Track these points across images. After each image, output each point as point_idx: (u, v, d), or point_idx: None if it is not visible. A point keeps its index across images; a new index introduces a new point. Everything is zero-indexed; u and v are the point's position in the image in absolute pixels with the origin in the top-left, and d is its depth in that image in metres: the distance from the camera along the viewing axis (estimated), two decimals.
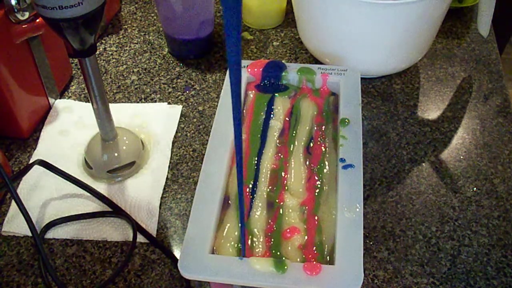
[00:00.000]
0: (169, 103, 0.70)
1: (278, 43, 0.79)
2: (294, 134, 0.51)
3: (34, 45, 0.62)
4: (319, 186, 0.46)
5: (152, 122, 0.67)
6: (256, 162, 0.49)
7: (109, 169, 0.60)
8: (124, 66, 0.76)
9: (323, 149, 0.50)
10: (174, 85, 0.72)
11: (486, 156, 0.63)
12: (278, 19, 0.82)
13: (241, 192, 0.36)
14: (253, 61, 0.57)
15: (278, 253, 0.42)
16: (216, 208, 0.44)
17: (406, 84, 0.73)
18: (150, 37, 0.81)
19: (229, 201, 0.46)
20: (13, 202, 0.57)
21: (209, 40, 0.77)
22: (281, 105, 0.54)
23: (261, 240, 0.43)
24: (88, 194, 0.58)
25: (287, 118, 0.53)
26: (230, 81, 0.29)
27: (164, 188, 0.60)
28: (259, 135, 0.51)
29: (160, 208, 0.58)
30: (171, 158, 0.63)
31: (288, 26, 0.82)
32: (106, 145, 0.60)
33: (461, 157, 0.63)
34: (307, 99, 0.55)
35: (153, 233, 0.55)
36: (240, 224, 0.42)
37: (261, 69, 0.56)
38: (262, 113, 0.53)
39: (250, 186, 0.47)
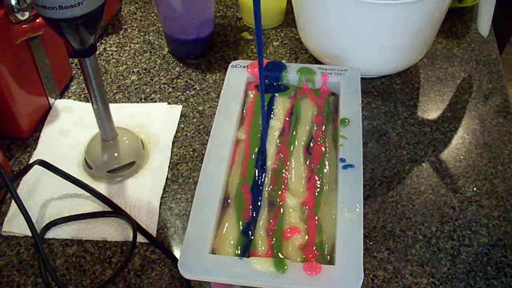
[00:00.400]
0: (169, 103, 0.70)
1: (278, 43, 0.79)
2: (294, 134, 0.51)
3: (34, 45, 0.62)
4: (319, 186, 0.47)
5: (152, 122, 0.67)
6: (256, 161, 0.49)
7: (109, 169, 0.60)
8: (124, 66, 0.76)
9: (323, 149, 0.50)
10: (174, 85, 0.72)
11: (486, 156, 0.63)
12: (278, 19, 0.82)
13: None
14: (253, 61, 0.57)
15: (280, 253, 0.42)
16: (216, 208, 0.44)
17: (406, 84, 0.73)
18: (150, 37, 0.81)
19: (229, 200, 0.46)
20: (13, 202, 0.58)
21: (209, 40, 0.77)
22: (281, 105, 0.54)
23: (262, 239, 0.43)
24: (88, 194, 0.58)
25: (287, 118, 0.53)
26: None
27: (164, 188, 0.60)
28: (259, 135, 0.51)
29: (160, 208, 0.58)
30: (171, 158, 0.63)
31: (288, 26, 0.82)
32: (106, 145, 0.60)
33: (461, 157, 0.63)
34: (307, 99, 0.55)
35: (153, 233, 0.55)
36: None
37: None
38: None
39: (251, 185, 0.47)
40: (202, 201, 0.44)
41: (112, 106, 0.58)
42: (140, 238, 0.55)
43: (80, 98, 0.71)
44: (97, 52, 0.77)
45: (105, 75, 0.74)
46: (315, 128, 0.52)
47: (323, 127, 0.52)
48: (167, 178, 0.61)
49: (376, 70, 0.70)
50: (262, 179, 0.47)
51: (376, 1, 0.59)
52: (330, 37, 0.67)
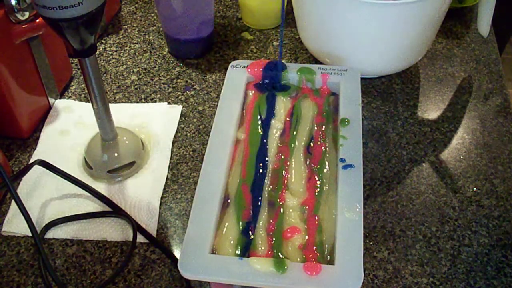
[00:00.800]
0: (169, 103, 0.70)
1: (278, 43, 0.79)
2: (294, 134, 0.51)
3: (34, 45, 0.62)
4: (319, 186, 0.47)
5: (152, 122, 0.67)
6: (256, 161, 0.49)
7: (109, 169, 0.60)
8: (124, 66, 0.76)
9: (323, 149, 0.50)
10: (174, 85, 0.72)
11: (486, 156, 0.63)
12: (278, 19, 0.82)
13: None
14: (253, 61, 0.57)
15: (280, 253, 0.42)
16: (216, 208, 0.44)
17: (406, 84, 0.73)
18: (150, 37, 0.81)
19: (229, 200, 0.46)
20: (13, 202, 0.58)
21: (209, 40, 0.77)
22: (281, 105, 0.54)
23: (262, 239, 0.43)
24: (88, 194, 0.58)
25: (287, 118, 0.53)
26: None
27: (164, 188, 0.60)
28: (259, 135, 0.51)
29: (160, 208, 0.58)
30: (171, 158, 0.63)
31: (288, 26, 0.82)
32: (106, 145, 0.60)
33: (461, 157, 0.63)
34: (308, 99, 0.55)
35: (153, 233, 0.55)
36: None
37: (261, 69, 0.56)
38: (262, 113, 0.53)
39: (251, 185, 0.47)
40: (202, 201, 0.44)
41: (112, 106, 0.58)
42: (140, 238, 0.55)
43: (80, 98, 0.71)
44: (97, 52, 0.77)
45: (105, 75, 0.74)
46: (315, 128, 0.52)
47: (323, 127, 0.52)
48: (167, 178, 0.61)
49: (376, 70, 0.70)
50: (262, 179, 0.47)
51: (376, 1, 0.59)
52: (330, 37, 0.67)
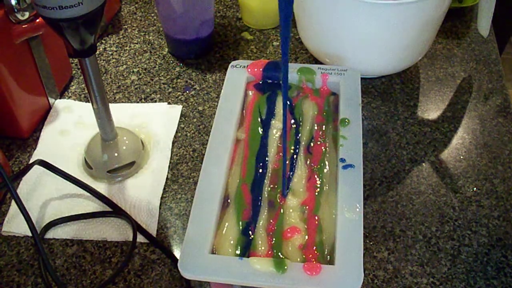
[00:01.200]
0: (169, 103, 0.70)
1: (278, 43, 0.79)
2: (294, 134, 0.51)
3: (34, 45, 0.62)
4: (319, 186, 0.46)
5: (152, 122, 0.67)
6: (256, 161, 0.49)
7: (109, 169, 0.60)
8: (124, 66, 0.76)
9: (324, 149, 0.50)
10: (174, 85, 0.72)
11: (486, 156, 0.63)
12: (278, 19, 0.82)
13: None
14: (253, 61, 0.57)
15: (280, 253, 0.42)
16: (216, 208, 0.44)
17: (406, 84, 0.73)
18: (150, 37, 0.81)
19: (229, 200, 0.46)
20: (13, 202, 0.58)
21: (209, 40, 0.77)
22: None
23: (262, 239, 0.43)
24: (88, 194, 0.58)
25: (288, 118, 0.53)
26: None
27: (164, 188, 0.60)
28: (259, 135, 0.51)
29: (160, 208, 0.58)
30: (171, 158, 0.63)
31: None
32: (106, 145, 0.60)
33: (461, 157, 0.63)
34: (308, 99, 0.55)
35: (153, 233, 0.55)
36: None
37: (261, 69, 0.56)
38: (262, 113, 0.53)
39: (251, 185, 0.47)
40: (202, 201, 0.44)
41: (112, 106, 0.58)
42: (140, 238, 0.55)
43: (80, 98, 0.71)
44: (97, 52, 0.77)
45: (105, 75, 0.74)
46: (316, 128, 0.52)
47: (323, 126, 0.52)
48: (167, 178, 0.61)
49: (376, 70, 0.70)
50: (262, 179, 0.47)
51: (376, 1, 0.59)
52: (330, 37, 0.67)
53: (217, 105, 0.53)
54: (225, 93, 0.54)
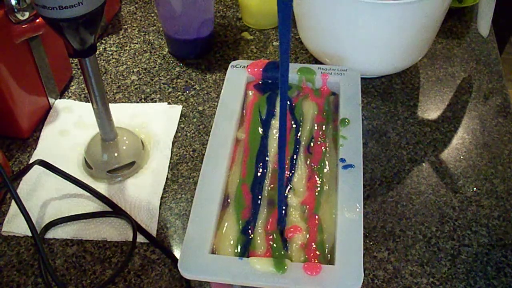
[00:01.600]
0: (169, 103, 0.70)
1: (278, 43, 0.79)
2: (294, 134, 0.51)
3: (34, 45, 0.62)
4: (319, 185, 0.47)
5: (152, 122, 0.67)
6: (256, 161, 0.49)
7: (109, 169, 0.60)
8: (124, 66, 0.76)
9: (324, 149, 0.50)
10: (174, 85, 0.72)
11: (486, 156, 0.63)
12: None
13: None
14: (253, 61, 0.57)
15: (281, 253, 0.42)
16: (216, 208, 0.44)
17: (406, 84, 0.73)
18: (150, 37, 0.81)
19: (229, 200, 0.46)
20: (13, 202, 0.58)
21: (209, 40, 0.77)
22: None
23: (262, 239, 0.43)
24: (88, 194, 0.58)
25: (288, 118, 0.53)
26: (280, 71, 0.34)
27: (164, 188, 0.60)
28: (259, 135, 0.51)
29: (160, 208, 0.58)
30: (171, 158, 0.63)
31: None
32: (106, 145, 0.60)
33: (461, 157, 0.63)
34: (308, 99, 0.55)
35: (153, 233, 0.55)
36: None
37: (261, 69, 0.56)
38: (262, 113, 0.53)
39: (251, 185, 0.47)
40: (202, 201, 0.44)
41: (112, 106, 0.58)
42: (140, 238, 0.55)
43: (80, 98, 0.71)
44: (97, 52, 0.77)
45: (105, 75, 0.74)
46: (316, 127, 0.52)
47: (323, 126, 0.52)
48: (167, 178, 0.61)
49: (376, 70, 0.70)
50: (262, 179, 0.47)
51: (376, 1, 0.59)
52: (330, 37, 0.67)
53: (217, 105, 0.53)
54: (225, 93, 0.54)
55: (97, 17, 0.46)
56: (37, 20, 0.59)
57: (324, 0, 0.63)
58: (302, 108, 0.54)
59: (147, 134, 0.65)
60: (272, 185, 0.47)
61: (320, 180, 0.47)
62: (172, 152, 0.64)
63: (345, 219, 0.43)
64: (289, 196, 0.46)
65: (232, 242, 0.43)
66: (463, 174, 0.61)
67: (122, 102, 0.70)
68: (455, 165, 0.62)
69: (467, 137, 0.65)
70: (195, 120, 0.68)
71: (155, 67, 0.76)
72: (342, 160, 0.47)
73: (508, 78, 1.82)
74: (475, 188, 0.59)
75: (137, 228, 0.55)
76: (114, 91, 0.72)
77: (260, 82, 0.56)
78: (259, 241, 0.43)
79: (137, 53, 0.78)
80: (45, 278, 0.51)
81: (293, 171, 0.48)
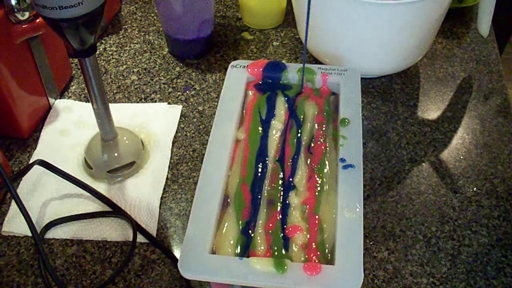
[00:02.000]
0: (169, 103, 0.70)
1: (278, 43, 0.79)
2: (295, 134, 0.51)
3: (34, 45, 0.62)
4: (319, 185, 0.47)
5: (152, 122, 0.67)
6: (256, 161, 0.49)
7: (109, 169, 0.60)
8: (124, 66, 0.76)
9: (324, 149, 0.50)
10: (174, 85, 0.73)
11: (486, 156, 0.63)
12: (278, 19, 0.82)
13: None
14: (253, 61, 0.57)
15: (281, 253, 0.42)
16: (216, 208, 0.44)
17: (406, 84, 0.73)
18: (150, 37, 0.81)
19: (229, 200, 0.46)
20: (13, 202, 0.58)
21: (209, 40, 0.77)
22: (282, 105, 0.54)
23: (262, 238, 0.43)
24: (88, 194, 0.58)
25: (287, 118, 0.53)
26: None
27: (164, 188, 0.60)
28: (259, 135, 0.51)
29: (160, 208, 0.58)
30: (171, 158, 0.63)
31: (288, 26, 0.82)
32: (106, 145, 0.60)
33: (461, 157, 0.63)
34: (308, 99, 0.55)
35: (153, 233, 0.55)
36: None
37: (261, 69, 0.56)
38: (262, 113, 0.53)
39: (250, 185, 0.47)
40: (202, 201, 0.44)
41: (112, 106, 0.58)
42: (140, 238, 0.55)
43: (80, 98, 0.71)
44: (97, 52, 0.77)
45: (105, 75, 0.74)
46: (316, 127, 0.52)
47: (324, 126, 0.52)
48: (167, 178, 0.61)
49: (376, 70, 0.70)
50: (262, 179, 0.47)
51: (376, 1, 0.59)
52: (330, 37, 0.67)
53: (217, 105, 0.53)
54: (225, 93, 0.54)
55: (97, 17, 0.46)
56: (37, 20, 0.59)
57: (324, 0, 0.63)
58: (302, 108, 0.54)
59: (147, 134, 0.65)
60: (272, 185, 0.47)
61: (320, 180, 0.47)
62: (172, 152, 0.64)
63: (345, 219, 0.43)
64: (290, 195, 0.46)
65: (232, 242, 0.43)
66: (463, 174, 0.61)
67: (122, 102, 0.70)
68: (455, 165, 0.62)
69: (467, 137, 0.65)
70: (195, 120, 0.68)
71: (155, 67, 0.76)
72: (342, 160, 0.47)
73: (508, 78, 1.82)
74: (475, 188, 0.59)
75: (137, 228, 0.55)
76: (114, 91, 0.72)
77: (260, 82, 0.56)
78: (259, 241, 0.43)
79: (137, 53, 0.78)
80: (45, 278, 0.51)
81: (293, 171, 0.48)
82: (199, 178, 0.46)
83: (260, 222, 0.44)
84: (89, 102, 0.56)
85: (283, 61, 0.58)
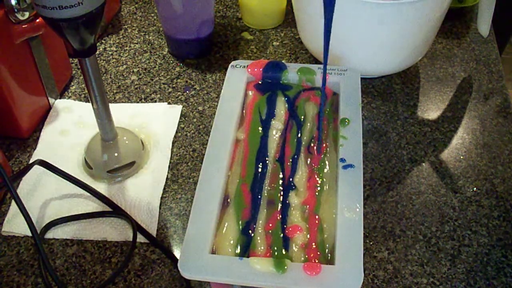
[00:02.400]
0: (169, 103, 0.70)
1: (278, 43, 0.79)
2: (295, 134, 0.51)
3: (34, 45, 0.62)
4: (319, 185, 0.47)
5: (152, 122, 0.67)
6: (256, 161, 0.49)
7: (109, 169, 0.60)
8: (124, 66, 0.76)
9: (324, 149, 0.50)
10: (174, 85, 0.73)
11: (486, 156, 0.63)
12: (278, 19, 0.82)
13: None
14: (253, 61, 0.57)
15: (281, 253, 0.42)
16: (216, 208, 0.44)
17: (406, 84, 0.73)
18: (150, 37, 0.81)
19: (229, 200, 0.46)
20: (13, 202, 0.58)
21: (209, 40, 0.77)
22: (282, 105, 0.54)
23: (262, 238, 0.43)
24: (88, 194, 0.58)
25: (287, 118, 0.53)
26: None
27: (164, 188, 0.60)
28: (259, 135, 0.51)
29: (160, 208, 0.58)
30: (171, 158, 0.63)
31: (288, 26, 0.82)
32: (106, 145, 0.60)
33: (461, 157, 0.63)
34: (308, 99, 0.55)
35: (153, 233, 0.55)
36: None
37: (261, 69, 0.56)
38: (262, 113, 0.53)
39: (250, 185, 0.47)
40: (202, 201, 0.44)
41: (112, 106, 0.58)
42: (140, 238, 0.55)
43: (80, 98, 0.71)
44: (97, 52, 0.77)
45: (105, 75, 0.74)
46: (316, 127, 0.52)
47: (324, 126, 0.52)
48: (167, 178, 0.61)
49: (376, 70, 0.70)
50: (262, 179, 0.47)
51: (376, 1, 0.59)
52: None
53: (217, 105, 0.53)
54: (225, 93, 0.54)
55: (97, 17, 0.46)
56: (37, 20, 0.59)
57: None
58: (302, 108, 0.54)
59: (147, 134, 0.65)
60: (272, 185, 0.47)
61: (320, 180, 0.47)
62: (172, 152, 0.64)
63: (345, 219, 0.43)
64: (290, 195, 0.46)
65: (232, 242, 0.43)
66: (463, 174, 0.61)
67: (122, 102, 0.70)
68: (455, 165, 0.62)
69: (467, 137, 0.65)
70: (195, 120, 0.68)
71: (155, 67, 0.76)
72: (342, 160, 0.47)
73: (508, 78, 1.82)
74: (475, 188, 0.59)
75: (137, 228, 0.55)
76: (114, 91, 0.72)
77: (260, 82, 0.56)
78: (259, 241, 0.43)
79: (137, 53, 0.78)
80: (45, 278, 0.51)
81: (294, 171, 0.48)
82: (199, 178, 0.46)
83: (260, 222, 0.44)
84: (89, 102, 0.56)
85: (283, 61, 0.58)
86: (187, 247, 0.41)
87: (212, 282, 0.46)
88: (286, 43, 0.79)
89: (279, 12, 0.81)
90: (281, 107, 0.54)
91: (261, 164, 0.48)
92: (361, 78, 0.56)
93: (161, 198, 0.59)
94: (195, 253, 0.41)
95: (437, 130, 0.66)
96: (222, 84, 0.56)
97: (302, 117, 0.53)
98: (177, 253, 0.54)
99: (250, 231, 0.44)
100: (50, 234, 0.55)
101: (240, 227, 0.44)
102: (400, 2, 0.59)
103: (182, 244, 0.42)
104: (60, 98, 0.70)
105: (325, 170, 0.48)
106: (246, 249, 0.42)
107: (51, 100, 0.68)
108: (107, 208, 0.57)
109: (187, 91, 0.72)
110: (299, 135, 0.51)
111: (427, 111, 0.69)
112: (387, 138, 0.65)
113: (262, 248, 0.42)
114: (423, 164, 0.62)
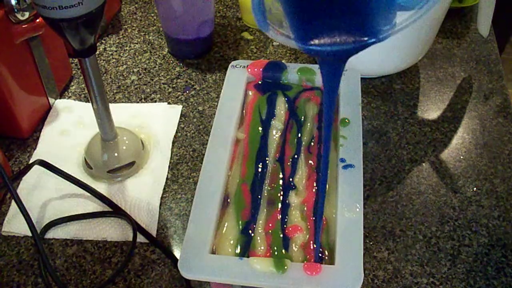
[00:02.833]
0: (169, 103, 0.70)
1: (278, 43, 0.79)
2: (295, 134, 0.51)
3: (34, 45, 0.62)
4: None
5: (152, 122, 0.67)
6: (256, 161, 0.49)
7: (109, 169, 0.60)
8: (124, 66, 0.76)
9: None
10: (174, 85, 0.72)
11: (486, 156, 0.63)
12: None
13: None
14: (253, 61, 0.57)
15: (281, 253, 0.42)
16: (216, 208, 0.44)
17: (406, 84, 0.73)
18: (150, 37, 0.81)
19: (228, 200, 0.46)
20: (13, 202, 0.57)
21: (209, 40, 0.77)
22: (282, 105, 0.54)
23: (262, 238, 0.43)
24: (88, 194, 0.58)
25: (288, 118, 0.53)
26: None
27: (164, 188, 0.60)
28: (259, 135, 0.51)
29: (160, 208, 0.58)
30: (171, 158, 0.63)
31: None
32: (106, 145, 0.60)
33: (461, 157, 0.63)
34: (308, 99, 0.55)
35: (153, 233, 0.55)
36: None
37: (261, 69, 0.56)
38: (262, 113, 0.53)
39: (250, 185, 0.47)
40: (202, 201, 0.44)
41: (112, 106, 0.58)
42: (140, 238, 0.55)
43: (80, 98, 0.71)
44: (97, 52, 0.77)
45: (105, 75, 0.74)
46: (316, 127, 0.52)
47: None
48: (167, 178, 0.61)
49: (376, 70, 0.70)
50: (262, 179, 0.47)
51: None
52: None
53: (217, 105, 0.53)
54: (225, 93, 0.54)
55: (97, 17, 0.46)
56: (37, 20, 0.59)
57: None
58: (302, 108, 0.54)
59: (147, 134, 0.65)
60: (272, 185, 0.47)
61: None
62: (172, 152, 0.64)
63: (345, 219, 0.43)
64: (290, 195, 0.46)
65: (232, 242, 0.43)
66: (463, 174, 0.61)
67: (122, 102, 0.70)
68: (455, 165, 0.62)
69: (467, 137, 0.65)
70: (195, 120, 0.68)
71: (155, 67, 0.76)
72: (342, 160, 0.47)
73: (508, 78, 1.82)
74: (475, 188, 0.59)
75: (137, 228, 0.55)
76: (114, 91, 0.72)
77: (260, 82, 0.56)
78: (259, 241, 0.43)
79: (137, 53, 0.78)
80: (45, 278, 0.51)
81: (294, 171, 0.48)
82: (199, 178, 0.46)
83: (260, 222, 0.44)
84: (89, 102, 0.56)
85: (283, 61, 0.58)
86: (187, 247, 0.41)
87: (212, 282, 0.46)
88: None
89: None
90: (281, 107, 0.54)
91: (261, 164, 0.48)
92: (361, 78, 0.56)
93: (161, 198, 0.59)
94: (195, 253, 0.41)
95: (437, 130, 0.66)
96: (222, 84, 0.56)
97: (302, 117, 0.53)
98: (177, 253, 0.54)
99: (250, 231, 0.44)
100: (50, 234, 0.55)
101: (240, 227, 0.44)
102: None
103: (182, 244, 0.42)
104: (60, 98, 0.70)
105: None
106: (246, 249, 0.42)
107: (51, 100, 0.68)
108: (107, 208, 0.57)
109: (187, 91, 0.72)
110: (299, 135, 0.51)
111: (427, 111, 0.69)
112: (387, 138, 0.65)
113: (262, 248, 0.42)
114: (423, 164, 0.62)
